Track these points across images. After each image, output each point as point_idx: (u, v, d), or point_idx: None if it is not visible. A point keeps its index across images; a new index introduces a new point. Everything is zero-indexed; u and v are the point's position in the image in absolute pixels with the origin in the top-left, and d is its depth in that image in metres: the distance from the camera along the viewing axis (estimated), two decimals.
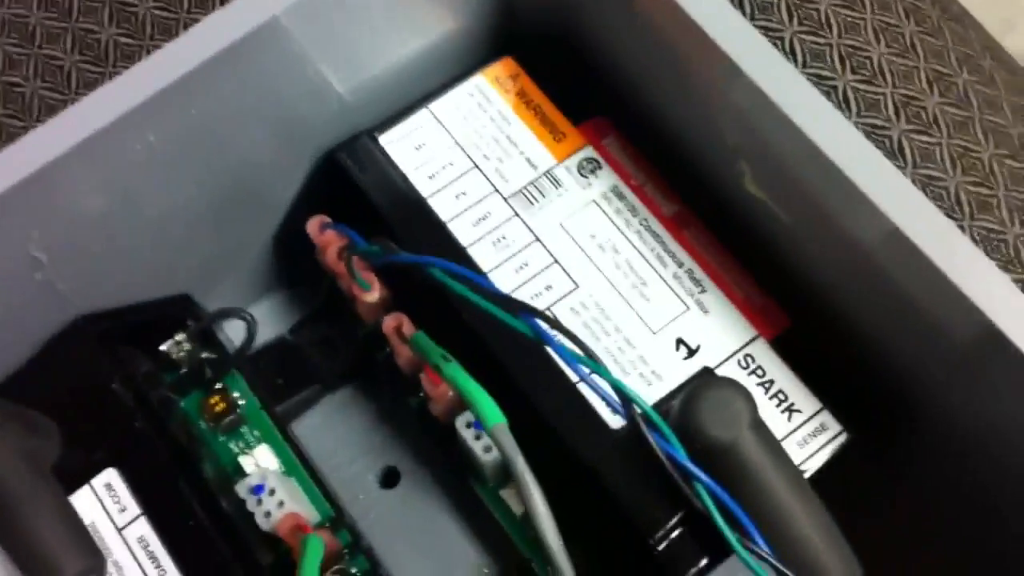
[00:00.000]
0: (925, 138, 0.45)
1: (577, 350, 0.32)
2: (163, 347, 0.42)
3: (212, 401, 0.42)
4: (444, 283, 0.35)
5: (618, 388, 0.31)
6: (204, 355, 0.42)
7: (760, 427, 0.32)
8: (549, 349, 0.32)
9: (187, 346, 0.42)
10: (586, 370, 0.31)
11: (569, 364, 0.32)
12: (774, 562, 0.30)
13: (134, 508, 0.37)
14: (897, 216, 0.32)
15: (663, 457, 0.31)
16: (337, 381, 0.45)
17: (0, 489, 0.33)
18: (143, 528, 0.37)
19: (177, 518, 0.37)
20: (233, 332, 0.44)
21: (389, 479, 0.44)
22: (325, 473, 0.42)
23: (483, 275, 0.38)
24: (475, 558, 0.42)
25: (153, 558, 0.36)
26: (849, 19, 0.46)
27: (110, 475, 0.37)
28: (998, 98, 0.46)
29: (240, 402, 0.42)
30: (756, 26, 0.46)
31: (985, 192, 0.44)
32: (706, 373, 0.37)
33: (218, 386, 0.42)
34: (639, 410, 0.31)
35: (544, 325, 0.32)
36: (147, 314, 0.42)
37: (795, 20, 0.47)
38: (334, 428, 0.45)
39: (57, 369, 0.39)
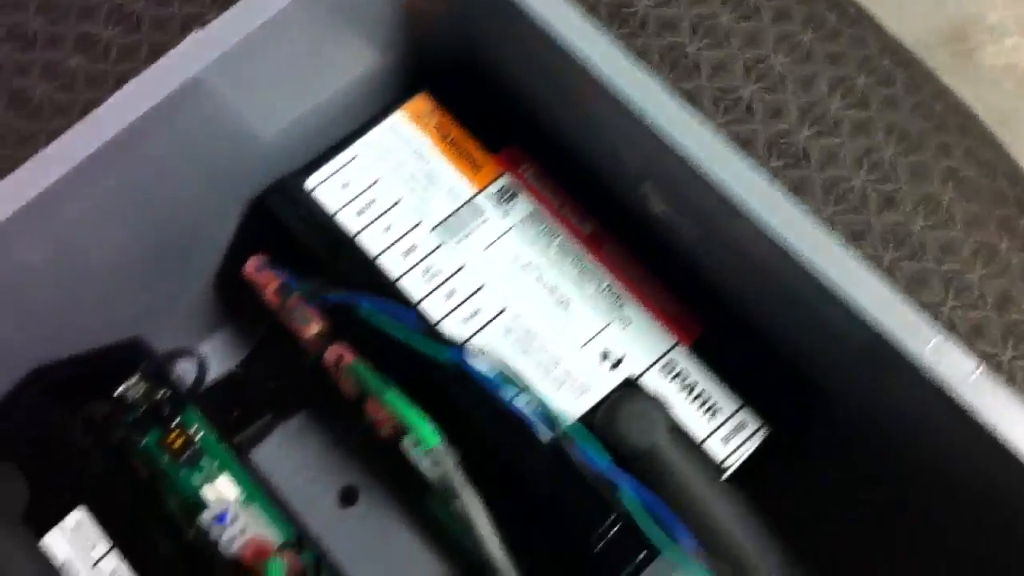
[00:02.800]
0: (830, 141, 0.47)
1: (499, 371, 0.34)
2: (120, 389, 0.44)
3: (171, 437, 0.43)
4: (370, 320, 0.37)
5: (542, 409, 0.34)
6: (159, 394, 0.44)
7: (676, 431, 0.35)
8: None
9: (142, 387, 0.44)
10: (511, 393, 0.33)
11: (493, 390, 0.34)
12: (698, 554, 0.33)
13: (104, 544, 0.39)
14: (780, 233, 0.34)
15: (586, 468, 0.33)
16: (290, 409, 0.47)
17: None
18: (114, 562, 0.39)
19: (146, 550, 0.39)
20: (185, 370, 0.46)
21: (348, 497, 0.47)
22: (285, 496, 0.44)
23: (412, 308, 0.41)
24: (433, 568, 0.45)
25: None
26: (749, 30, 0.49)
27: (79, 515, 0.40)
28: (896, 96, 0.49)
29: (198, 436, 0.44)
30: (661, 43, 0.49)
31: (889, 189, 0.47)
32: (627, 385, 0.39)
33: (175, 422, 0.44)
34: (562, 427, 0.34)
35: (467, 356, 0.34)
36: (100, 360, 0.44)
37: (698, 34, 0.49)
38: (291, 453, 0.47)
39: (16, 421, 0.41)
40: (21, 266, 0.39)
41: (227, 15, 0.39)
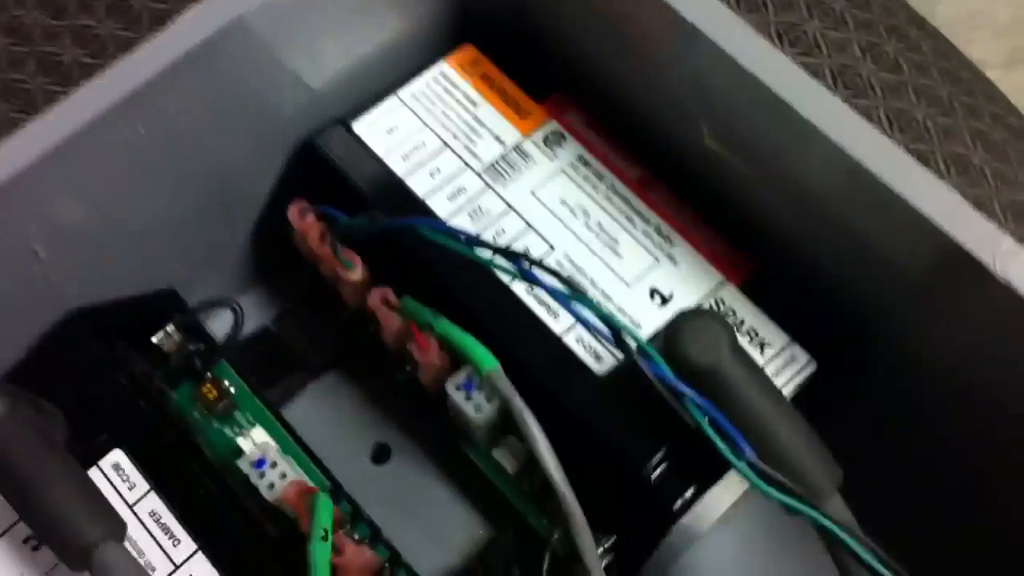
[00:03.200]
0: (863, 102, 0.48)
1: (564, 288, 0.34)
2: (154, 339, 0.43)
3: (204, 389, 0.43)
4: (433, 242, 0.37)
5: (607, 319, 0.33)
6: (192, 347, 0.44)
7: (738, 350, 0.34)
8: (541, 290, 0.34)
9: (177, 337, 0.43)
10: (576, 306, 0.33)
11: (560, 302, 0.34)
12: (762, 466, 0.32)
13: (143, 484, 0.38)
14: (852, 147, 0.34)
15: (654, 380, 0.33)
16: (322, 367, 0.47)
17: (19, 462, 0.34)
18: (154, 502, 0.38)
19: (186, 490, 0.38)
20: (217, 326, 0.46)
21: (381, 455, 0.46)
22: (318, 453, 0.43)
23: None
24: (471, 519, 0.44)
25: (166, 529, 0.38)
26: None
27: (117, 455, 0.39)
28: (926, 62, 0.49)
29: (231, 390, 0.43)
30: None
31: (922, 148, 0.47)
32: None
33: (208, 375, 0.43)
34: (629, 339, 0.33)
35: (535, 271, 0.34)
36: (135, 308, 0.43)
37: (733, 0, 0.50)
38: (323, 411, 0.46)
39: (56, 360, 0.40)
40: (64, 204, 0.39)
41: None
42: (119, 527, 0.35)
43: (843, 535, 0.33)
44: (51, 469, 0.35)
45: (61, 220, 0.39)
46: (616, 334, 0.34)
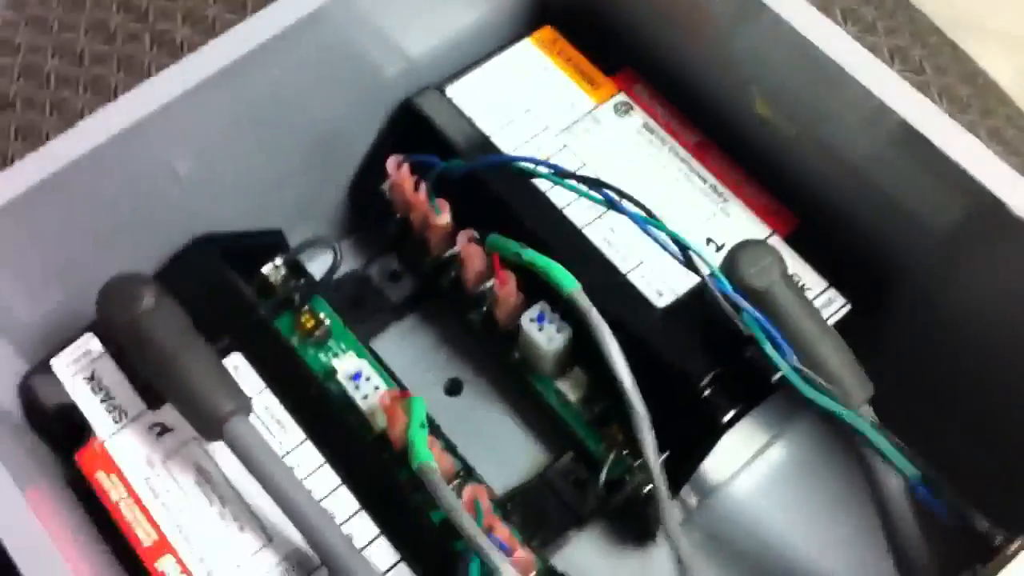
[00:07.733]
0: None
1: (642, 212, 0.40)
2: (264, 269, 0.48)
3: (304, 318, 0.48)
4: (519, 185, 0.43)
5: (679, 241, 0.39)
6: (293, 282, 0.49)
7: (788, 276, 0.40)
8: (611, 233, 0.40)
9: (283, 271, 0.49)
10: (653, 230, 0.39)
11: (639, 224, 0.39)
12: (806, 371, 0.38)
13: (259, 383, 0.44)
14: (897, 105, 0.40)
15: (718, 294, 0.39)
16: (404, 308, 0.52)
17: (167, 344, 0.40)
18: (268, 399, 0.43)
19: (294, 391, 0.44)
20: (314, 267, 0.51)
21: (454, 388, 0.51)
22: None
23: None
24: (534, 445, 0.49)
25: (279, 422, 0.43)
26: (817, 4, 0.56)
27: (237, 359, 0.44)
28: (946, 66, 0.56)
29: (326, 322, 0.48)
30: None
31: None
32: None
33: (306, 307, 0.49)
34: (695, 255, 0.39)
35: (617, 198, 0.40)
36: (249, 241, 0.49)
37: None
38: (402, 349, 0.52)
39: (184, 276, 0.46)
40: (199, 138, 0.44)
41: None
42: (247, 404, 0.40)
43: (872, 432, 0.38)
44: (193, 351, 0.40)
45: (198, 151, 0.45)
46: (686, 255, 0.39)
